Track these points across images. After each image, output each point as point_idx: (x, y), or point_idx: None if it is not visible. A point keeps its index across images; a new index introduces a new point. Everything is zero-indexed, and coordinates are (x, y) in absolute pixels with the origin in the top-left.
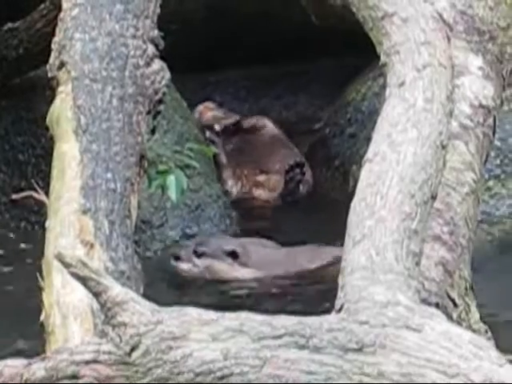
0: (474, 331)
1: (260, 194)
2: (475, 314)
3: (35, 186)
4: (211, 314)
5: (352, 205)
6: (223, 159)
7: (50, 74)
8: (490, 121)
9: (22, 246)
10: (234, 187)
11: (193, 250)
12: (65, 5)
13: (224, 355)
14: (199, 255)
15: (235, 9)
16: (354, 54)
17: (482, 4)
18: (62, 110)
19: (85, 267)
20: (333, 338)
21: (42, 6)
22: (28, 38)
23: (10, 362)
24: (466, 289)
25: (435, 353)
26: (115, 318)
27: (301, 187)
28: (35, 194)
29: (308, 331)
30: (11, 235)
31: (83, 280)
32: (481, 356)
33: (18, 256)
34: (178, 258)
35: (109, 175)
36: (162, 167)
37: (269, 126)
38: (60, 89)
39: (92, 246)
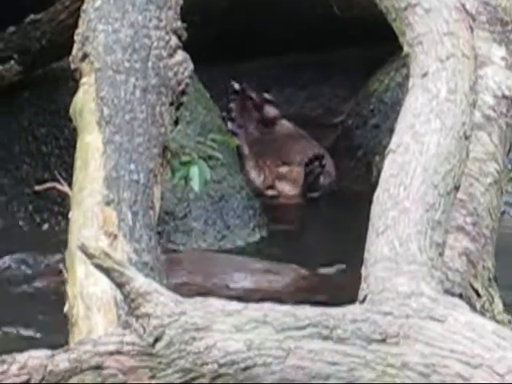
0: (497, 322)
1: (283, 188)
2: (499, 305)
3: (58, 177)
4: (235, 305)
5: (375, 195)
6: (246, 150)
7: (72, 66)
8: None
9: (46, 237)
10: (256, 178)
11: None
12: None
13: (247, 346)
14: None
15: None
16: (377, 45)
17: None
18: (85, 102)
19: (108, 258)
20: (356, 328)
21: None
22: (51, 30)
23: (33, 353)
24: (489, 279)
25: (459, 343)
26: (139, 309)
27: (321, 179)
28: (58, 186)
29: (332, 322)
30: (35, 226)
31: (107, 271)
32: (504, 346)
33: (42, 247)
34: None
35: (132, 166)
36: (185, 158)
37: (282, 118)
38: (83, 80)
39: (115, 237)
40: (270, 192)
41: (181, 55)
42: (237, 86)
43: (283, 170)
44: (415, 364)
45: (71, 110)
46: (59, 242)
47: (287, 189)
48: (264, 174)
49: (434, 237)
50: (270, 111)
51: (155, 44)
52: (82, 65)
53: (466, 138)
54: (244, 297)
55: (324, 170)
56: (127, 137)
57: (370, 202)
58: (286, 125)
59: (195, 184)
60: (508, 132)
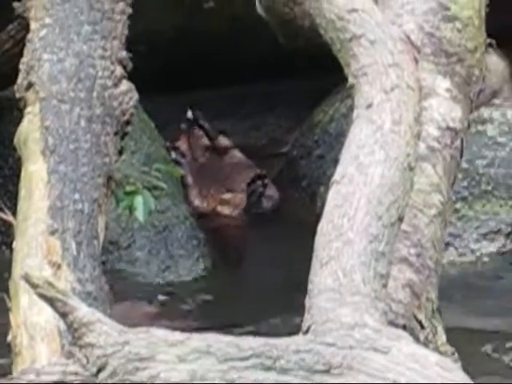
0: (440, 353)
1: (224, 210)
2: (442, 336)
3: (2, 206)
4: (178, 335)
5: (319, 226)
6: (189, 180)
7: (17, 95)
8: (458, 143)
9: None
10: (200, 206)
11: None
12: (33, 25)
13: (191, 376)
14: None
15: (202, 30)
16: (322, 76)
17: (449, 26)
18: (30, 131)
19: (52, 288)
20: (300, 359)
21: (10, 26)
22: None
23: None
24: (432, 311)
25: (402, 374)
26: (82, 339)
27: (264, 201)
28: (2, 215)
29: (275, 352)
30: None
31: (50, 301)
32: (448, 378)
33: None
34: None
35: (76, 196)
36: (129, 188)
37: (234, 149)
38: (28, 109)
39: (59, 266)
40: (212, 216)
41: (126, 85)
42: (190, 114)
43: (226, 196)
44: None
45: (16, 140)
46: (3, 271)
47: (229, 212)
48: (207, 201)
49: (378, 268)
50: (222, 141)
51: (100, 74)
52: (27, 94)
53: (411, 169)
54: None
55: (266, 190)
56: (72, 166)
57: (314, 231)
58: (236, 155)
59: (139, 214)
60: (452, 163)
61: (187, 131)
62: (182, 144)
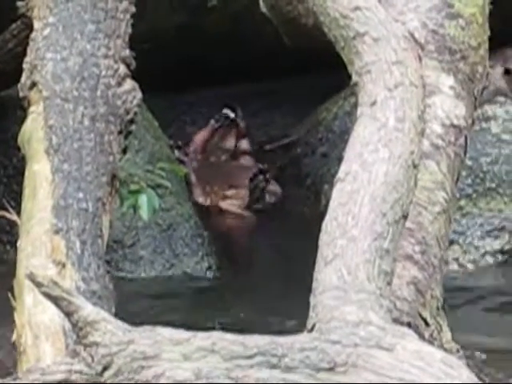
0: (445, 350)
1: (227, 204)
2: (447, 334)
3: (7, 205)
4: (183, 334)
5: (324, 224)
6: (193, 178)
7: (21, 94)
8: (462, 140)
9: None
10: (203, 204)
11: None
12: (36, 24)
13: (196, 375)
14: None
15: (206, 28)
16: (326, 74)
17: (453, 23)
18: (34, 130)
19: (56, 287)
20: (305, 357)
21: (14, 25)
22: None
23: None
24: (437, 308)
25: (407, 372)
26: (87, 338)
27: (267, 196)
28: (7, 214)
29: (280, 350)
30: None
31: (55, 300)
32: (452, 375)
33: None
34: None
35: (80, 195)
36: (133, 187)
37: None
38: (31, 109)
39: (64, 265)
40: (216, 212)
41: (129, 84)
42: (228, 111)
43: (229, 192)
44: None
45: (19, 139)
46: (7, 271)
47: (233, 207)
48: (211, 198)
49: (383, 266)
50: (244, 145)
51: (104, 73)
52: (31, 93)
53: (415, 166)
54: None
55: (268, 185)
56: (76, 165)
57: (319, 228)
58: (248, 160)
59: (144, 212)
60: (456, 161)
61: (213, 129)
62: (197, 141)
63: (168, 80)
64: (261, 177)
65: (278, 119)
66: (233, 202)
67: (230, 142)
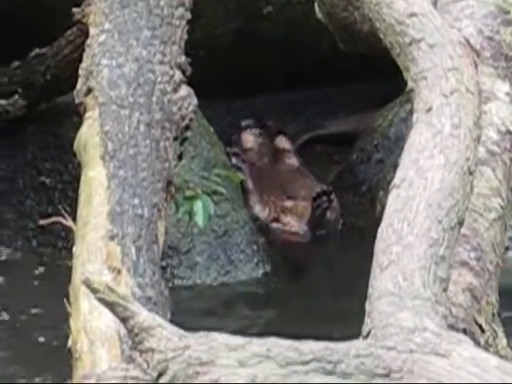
0: (501, 357)
1: (289, 221)
2: (502, 340)
3: (62, 211)
4: (238, 340)
5: (379, 231)
6: (250, 185)
7: (77, 100)
8: None
9: (50, 271)
10: (261, 212)
11: None
12: (92, 31)
13: (252, 381)
14: None
15: (263, 34)
16: (381, 80)
17: (509, 30)
18: (90, 136)
19: (112, 293)
20: (360, 363)
21: (69, 31)
22: (55, 64)
23: None
24: (493, 315)
25: (462, 378)
26: (142, 344)
27: (328, 214)
28: (62, 220)
29: (335, 357)
30: (39, 261)
31: (110, 305)
32: (508, 382)
33: (45, 282)
34: None
35: (136, 201)
36: (189, 193)
37: (291, 153)
38: (87, 115)
39: (119, 271)
40: (274, 225)
41: (185, 90)
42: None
43: (288, 204)
44: None
45: (75, 145)
46: (63, 277)
47: (292, 223)
48: (269, 208)
49: (438, 272)
50: (282, 142)
51: (159, 79)
52: (87, 99)
53: (470, 173)
54: None
55: (331, 205)
56: (131, 171)
57: (374, 237)
58: (293, 160)
59: (199, 219)
60: None
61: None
62: (245, 143)
63: (223, 86)
64: (324, 197)
65: (332, 125)
66: (293, 217)
67: (264, 144)
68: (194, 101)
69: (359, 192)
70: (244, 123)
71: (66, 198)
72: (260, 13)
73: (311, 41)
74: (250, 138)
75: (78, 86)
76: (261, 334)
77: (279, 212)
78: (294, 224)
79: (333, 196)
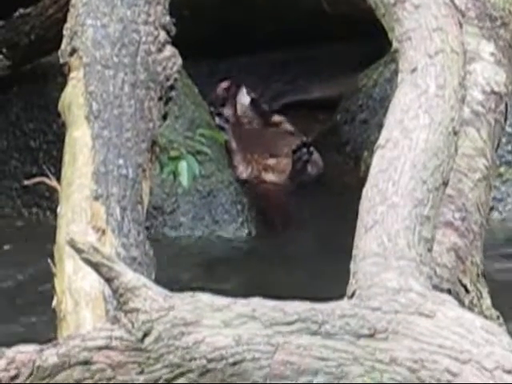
0: (485, 317)
1: (270, 176)
2: (487, 300)
3: (47, 172)
4: (223, 300)
5: (364, 191)
6: (233, 145)
7: (61, 60)
8: (502, 107)
9: (34, 231)
10: (244, 172)
11: None
12: None
13: (236, 341)
14: None
15: None
16: (366, 40)
17: None
18: (74, 96)
19: (97, 253)
20: (345, 323)
21: None
22: (40, 24)
23: (22, 348)
24: (477, 275)
25: (447, 339)
26: (127, 304)
27: (309, 168)
28: (47, 180)
29: (320, 317)
30: (23, 221)
31: (95, 266)
32: (493, 342)
33: (29, 242)
34: None
35: (120, 161)
36: (173, 153)
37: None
38: (72, 75)
39: (104, 231)
40: (256, 182)
41: (169, 50)
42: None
43: (271, 161)
44: (404, 359)
45: (60, 105)
46: (47, 237)
47: (274, 178)
48: (252, 166)
49: (423, 232)
50: (276, 118)
51: (144, 39)
52: (71, 59)
53: (455, 133)
54: None
55: (312, 157)
56: (116, 132)
57: (359, 194)
58: (286, 126)
59: (184, 179)
60: (496, 128)
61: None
62: (227, 110)
63: (208, 46)
64: (304, 149)
65: (317, 86)
66: (275, 174)
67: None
68: (179, 61)
69: (343, 152)
70: (225, 84)
71: (51, 158)
72: None
73: (295, 1)
74: (246, 100)
75: (63, 46)
76: (246, 295)
77: (261, 170)
78: (275, 179)
79: (312, 148)
